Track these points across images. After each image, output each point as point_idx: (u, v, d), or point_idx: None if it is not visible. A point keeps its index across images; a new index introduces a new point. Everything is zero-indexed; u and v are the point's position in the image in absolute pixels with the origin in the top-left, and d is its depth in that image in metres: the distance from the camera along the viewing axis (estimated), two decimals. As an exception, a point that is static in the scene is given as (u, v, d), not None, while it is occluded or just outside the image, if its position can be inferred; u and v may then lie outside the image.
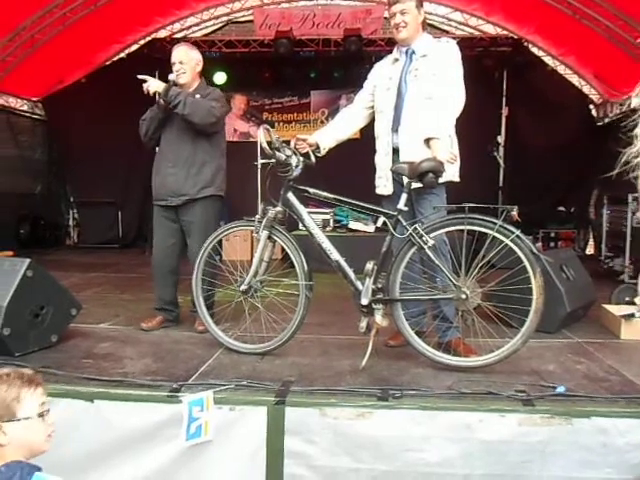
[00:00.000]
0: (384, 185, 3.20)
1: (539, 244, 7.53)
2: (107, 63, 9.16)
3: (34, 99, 9.08)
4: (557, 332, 3.57)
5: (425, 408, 2.37)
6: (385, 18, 8.28)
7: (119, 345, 3.32)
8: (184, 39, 9.09)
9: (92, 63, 8.89)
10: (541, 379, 2.69)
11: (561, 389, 2.49)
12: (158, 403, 2.48)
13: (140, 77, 3.58)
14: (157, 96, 3.59)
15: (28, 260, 3.12)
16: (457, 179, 3.11)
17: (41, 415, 1.71)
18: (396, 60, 3.20)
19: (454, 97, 2.98)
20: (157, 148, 3.87)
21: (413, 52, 3.12)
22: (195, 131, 3.58)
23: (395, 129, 3.12)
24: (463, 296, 2.71)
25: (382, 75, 3.24)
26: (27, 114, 9.06)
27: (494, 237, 2.67)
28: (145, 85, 3.57)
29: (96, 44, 8.59)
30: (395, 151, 3.12)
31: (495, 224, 2.64)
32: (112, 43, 8.92)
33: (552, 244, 8.31)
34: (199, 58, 3.77)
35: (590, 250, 8.61)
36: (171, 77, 3.59)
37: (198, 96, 3.60)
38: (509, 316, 2.84)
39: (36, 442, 1.71)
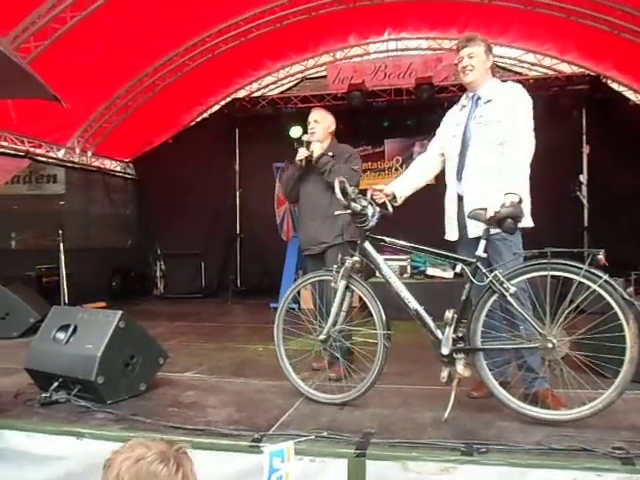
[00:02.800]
0: (451, 231, 3.18)
1: (631, 288, 7.05)
2: (191, 124, 9.78)
3: (126, 160, 9.81)
4: (657, 383, 3.31)
5: (513, 464, 2.25)
6: (456, 64, 8.36)
7: (203, 394, 3.41)
8: (261, 97, 9.59)
9: (178, 125, 9.55)
10: (641, 435, 2.49)
11: (665, 446, 2.29)
12: (240, 453, 2.51)
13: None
14: (300, 162, 3.95)
15: (120, 312, 3.31)
16: (531, 224, 3.03)
17: None
18: (463, 107, 3.22)
19: (526, 145, 2.91)
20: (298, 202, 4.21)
21: (479, 98, 3.12)
22: (330, 186, 3.71)
23: (460, 176, 3.11)
24: (549, 345, 2.59)
25: (451, 122, 3.27)
26: (119, 174, 9.79)
27: (580, 283, 2.55)
28: (298, 156, 3.96)
29: (181, 107, 9.24)
30: (461, 198, 3.10)
31: (581, 269, 2.53)
32: (196, 105, 9.56)
33: (647, 287, 7.76)
34: (332, 120, 4.12)
35: (690, 292, 7.97)
36: (305, 137, 4.00)
37: (330, 154, 3.92)
38: (601, 366, 2.68)
39: None
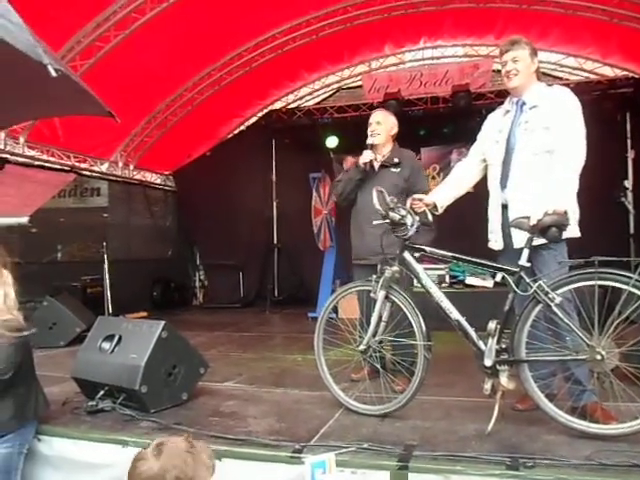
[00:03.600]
0: (495, 240, 3.11)
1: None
2: (229, 136, 9.94)
3: (166, 173, 10.03)
4: None
5: (562, 480, 2.18)
6: (493, 71, 8.27)
7: (243, 404, 3.43)
8: (297, 109, 9.67)
9: (216, 137, 9.72)
10: (698, 451, 2.38)
11: None
12: (281, 463, 2.51)
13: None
14: (364, 165, 3.82)
15: (163, 322, 3.37)
16: (578, 234, 2.92)
17: None
18: (507, 112, 3.13)
19: (575, 154, 2.81)
20: (353, 208, 4.04)
21: (524, 103, 3.03)
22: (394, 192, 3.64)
23: (504, 184, 3.03)
24: (598, 357, 2.51)
25: (493, 127, 3.18)
26: (160, 186, 10.01)
27: (630, 292, 2.47)
28: (362, 158, 3.82)
29: (219, 120, 9.41)
30: (505, 207, 3.03)
31: (630, 278, 2.44)
32: (233, 117, 9.72)
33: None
34: (395, 122, 3.97)
35: None
36: (369, 141, 3.82)
37: (396, 160, 3.82)
38: (654, 378, 2.57)
39: None
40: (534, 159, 2.92)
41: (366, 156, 3.79)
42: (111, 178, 8.72)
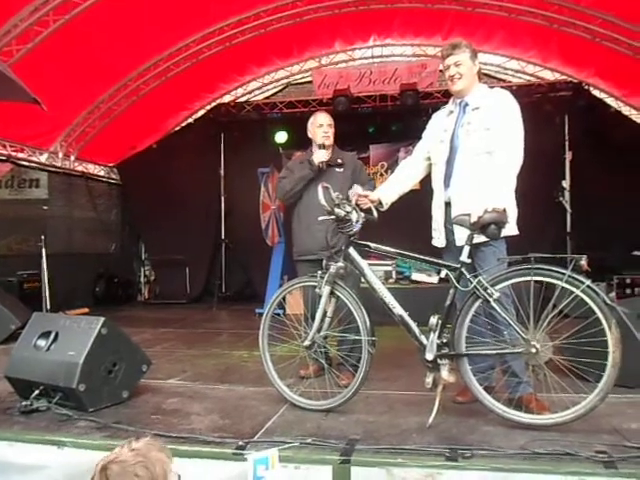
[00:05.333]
0: (438, 237, 3.19)
1: (613, 293, 7.15)
2: (176, 128, 9.74)
3: (110, 165, 9.73)
4: (638, 387, 3.34)
5: (497, 469, 2.25)
6: (441, 71, 8.43)
7: (187, 401, 3.38)
8: (247, 103, 9.58)
9: (162, 129, 9.51)
10: (624, 439, 2.50)
11: (647, 450, 2.31)
12: (224, 460, 2.49)
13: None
14: (321, 164, 3.92)
15: (103, 319, 3.27)
16: (516, 232, 3.03)
17: None
18: (451, 112, 3.20)
19: (514, 155, 2.91)
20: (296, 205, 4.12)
21: (466, 104, 3.11)
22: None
23: (447, 183, 3.10)
24: (533, 350, 2.61)
25: (438, 126, 3.25)
26: (103, 179, 9.71)
27: (563, 288, 2.57)
28: (318, 157, 3.93)
29: (166, 112, 9.20)
30: (448, 205, 3.10)
31: (564, 274, 2.55)
32: (181, 110, 9.53)
33: (628, 291, 7.87)
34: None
35: (671, 296, 8.08)
36: (324, 142, 3.97)
37: (339, 160, 3.99)
38: (584, 370, 2.70)
39: None
40: (476, 159, 3.00)
41: (322, 156, 3.90)
42: (51, 169, 8.37)
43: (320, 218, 3.18)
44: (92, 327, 3.22)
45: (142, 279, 10.06)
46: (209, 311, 8.30)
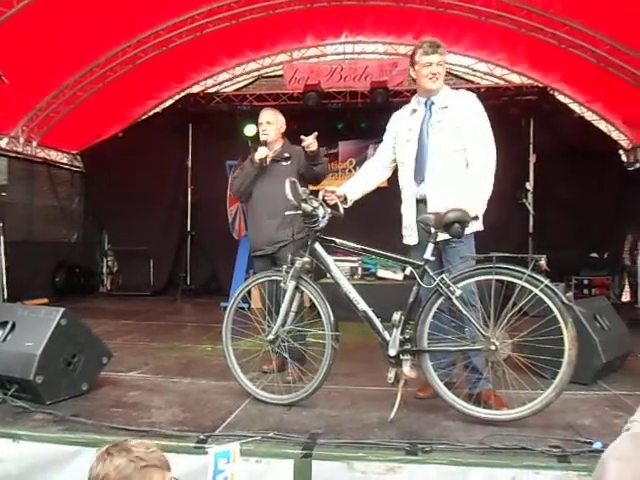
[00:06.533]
0: (409, 235, 3.21)
1: (570, 293, 7.35)
2: (143, 117, 9.56)
3: (73, 152, 9.49)
4: (593, 384, 3.45)
5: (456, 463, 2.30)
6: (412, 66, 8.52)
7: (148, 394, 3.34)
8: (216, 94, 9.47)
9: (129, 118, 9.30)
10: (577, 434, 2.59)
11: (598, 445, 2.38)
12: (184, 454, 2.47)
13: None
14: (260, 160, 3.92)
15: (62, 309, 3.20)
16: (482, 228, 3.10)
17: None
18: (414, 111, 3.23)
19: (490, 156, 3.02)
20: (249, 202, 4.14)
21: (432, 103, 3.15)
22: None
23: (419, 180, 3.13)
24: (492, 347, 2.67)
25: (401, 126, 3.28)
26: (66, 166, 9.45)
27: (523, 287, 2.64)
28: (258, 154, 3.93)
29: (133, 100, 9.01)
30: (420, 202, 3.13)
31: (523, 274, 2.61)
32: (148, 99, 9.35)
33: (586, 291, 8.12)
34: (283, 121, 4.15)
35: (626, 297, 8.38)
36: (262, 139, 4.00)
37: (286, 155, 3.97)
38: (541, 367, 2.77)
39: None
40: (449, 157, 3.06)
41: (262, 152, 3.93)
42: (11, 154, 8.11)
43: (287, 213, 3.19)
44: (51, 318, 3.14)
45: (105, 270, 9.87)
46: (173, 304, 8.20)
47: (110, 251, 9.83)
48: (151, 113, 9.65)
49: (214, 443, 2.47)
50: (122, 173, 8.77)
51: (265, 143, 3.97)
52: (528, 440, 2.45)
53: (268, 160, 3.95)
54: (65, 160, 9.45)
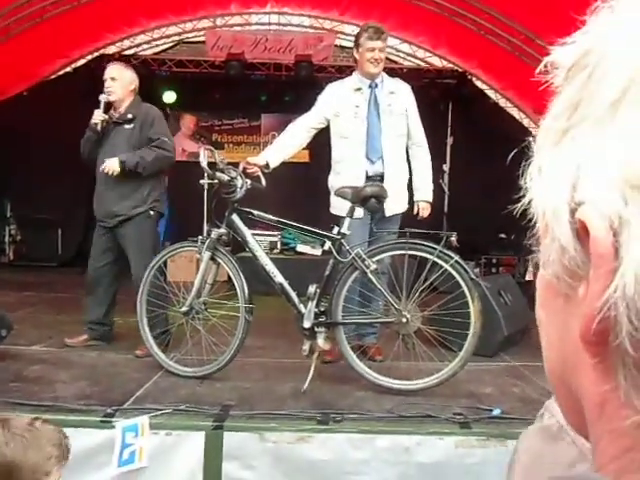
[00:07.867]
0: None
1: (477, 270, 7.76)
2: (52, 77, 8.93)
3: (-29, 110, 8.73)
4: (495, 356, 3.66)
5: (364, 432, 2.37)
6: (336, 46, 8.49)
7: (51, 368, 3.18)
8: (133, 56, 9.01)
9: (35, 76, 8.64)
10: (478, 402, 2.74)
11: (497, 411, 2.55)
12: (90, 429, 2.39)
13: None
14: (95, 125, 3.61)
15: (-45, 278, 2.97)
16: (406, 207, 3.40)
17: None
18: (359, 89, 3.31)
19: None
20: None
21: (376, 85, 3.29)
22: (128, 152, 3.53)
23: (377, 157, 3.27)
24: (404, 320, 2.76)
25: (347, 102, 3.32)
26: (-37, 125, 8.68)
27: (434, 262, 2.73)
28: (93, 118, 3.59)
29: (40, 57, 8.35)
30: (371, 178, 3.25)
31: (435, 249, 2.71)
32: (58, 57, 8.72)
33: (494, 270, 8.57)
34: (133, 77, 3.74)
35: (529, 276, 8.92)
36: (102, 97, 3.58)
37: (130, 116, 3.60)
38: (449, 340, 2.90)
39: None
40: (398, 140, 3.30)
41: (96, 116, 3.60)
42: None
43: (201, 181, 3.12)
44: (-59, 287, 2.91)
45: (7, 239, 9.22)
46: (82, 275, 7.80)
47: (12, 219, 9.20)
48: (61, 73, 9.03)
49: (122, 417, 2.40)
50: (27, 135, 8.18)
51: (104, 104, 3.60)
52: (434, 408, 2.57)
53: (104, 123, 3.61)
54: (-38, 118, 8.69)
